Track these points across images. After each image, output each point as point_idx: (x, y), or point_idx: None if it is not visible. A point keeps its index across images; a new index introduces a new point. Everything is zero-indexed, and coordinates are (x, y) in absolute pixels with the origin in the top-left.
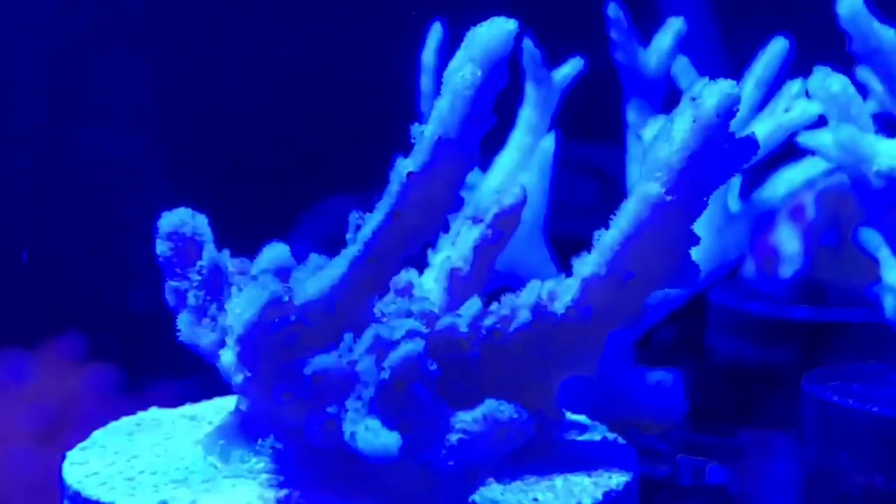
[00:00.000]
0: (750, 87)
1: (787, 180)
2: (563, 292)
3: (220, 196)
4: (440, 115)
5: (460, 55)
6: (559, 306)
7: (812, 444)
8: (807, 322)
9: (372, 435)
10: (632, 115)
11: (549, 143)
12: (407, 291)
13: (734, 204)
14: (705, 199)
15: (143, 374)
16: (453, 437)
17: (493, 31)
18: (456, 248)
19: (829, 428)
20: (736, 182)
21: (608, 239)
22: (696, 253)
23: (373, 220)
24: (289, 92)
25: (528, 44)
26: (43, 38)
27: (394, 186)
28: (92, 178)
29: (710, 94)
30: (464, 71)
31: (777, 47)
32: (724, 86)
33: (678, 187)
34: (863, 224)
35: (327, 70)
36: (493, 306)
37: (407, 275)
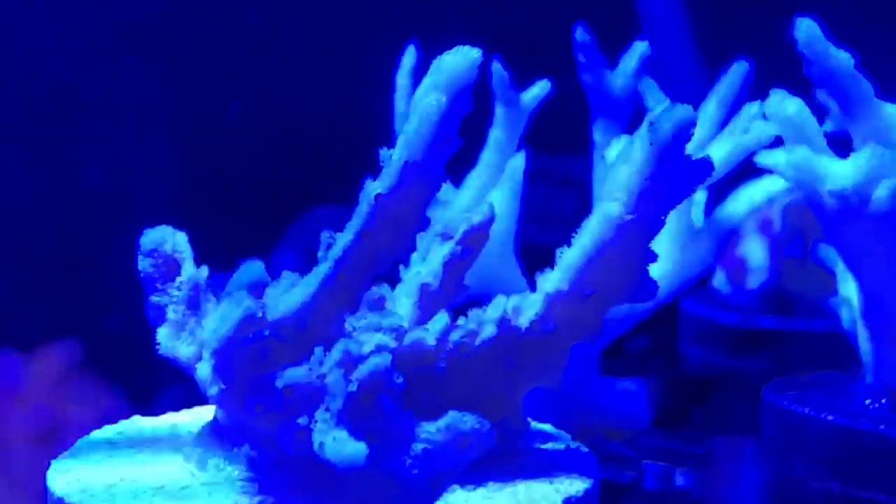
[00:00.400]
0: (713, 107)
1: (748, 197)
2: (527, 307)
3: (210, 209)
4: (407, 139)
5: (426, 83)
6: (523, 321)
7: (771, 452)
8: (774, 331)
9: (339, 445)
10: (598, 135)
11: (519, 161)
12: (379, 306)
13: (698, 220)
14: (663, 218)
15: (142, 382)
16: (418, 447)
17: (458, 60)
18: (426, 264)
19: (787, 436)
20: (700, 199)
21: (570, 257)
22: (661, 267)
23: (343, 239)
24: (274, 105)
25: (497, 66)
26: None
27: (363, 207)
28: (94, 186)
29: (666, 119)
30: (429, 98)
31: (739, 70)
32: (680, 111)
33: (637, 208)
34: (821, 239)
35: (313, 83)
36: (461, 321)
37: (380, 290)
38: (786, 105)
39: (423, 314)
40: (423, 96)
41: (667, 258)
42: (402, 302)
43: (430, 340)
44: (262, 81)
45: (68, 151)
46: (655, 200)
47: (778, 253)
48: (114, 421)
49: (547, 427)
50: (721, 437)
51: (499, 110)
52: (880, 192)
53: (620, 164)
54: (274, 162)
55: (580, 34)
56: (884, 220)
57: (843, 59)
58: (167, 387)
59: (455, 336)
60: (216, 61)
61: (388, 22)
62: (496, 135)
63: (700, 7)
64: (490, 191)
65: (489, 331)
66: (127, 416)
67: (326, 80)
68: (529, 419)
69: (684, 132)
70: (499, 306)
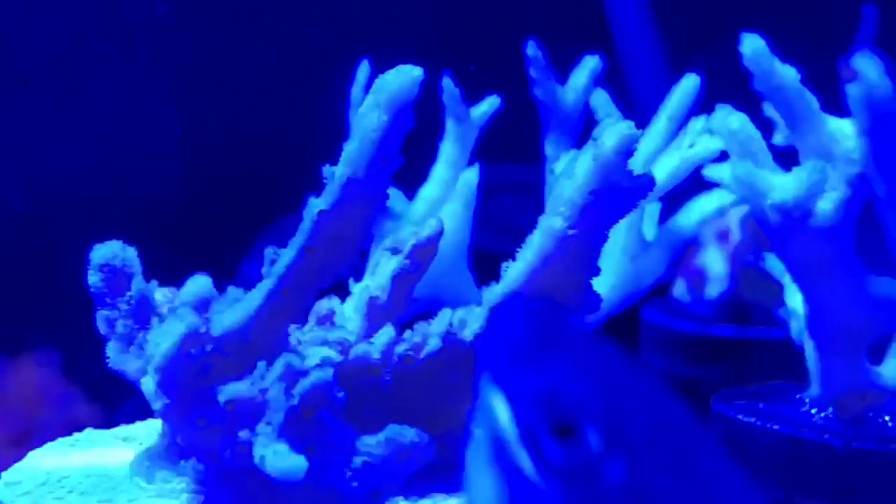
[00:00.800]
0: (663, 121)
1: (699, 209)
2: (472, 320)
3: (179, 221)
4: (349, 157)
5: (368, 101)
6: (468, 334)
7: None
8: (731, 340)
9: (279, 458)
10: (549, 149)
11: (472, 174)
12: (328, 319)
13: (650, 232)
14: (606, 232)
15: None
16: (357, 461)
17: (400, 79)
18: (375, 277)
19: (733, 445)
20: (653, 211)
21: (515, 270)
22: (612, 279)
23: (286, 255)
24: (241, 116)
25: (447, 82)
26: None
27: (306, 224)
28: (78, 196)
29: (609, 135)
30: (371, 116)
31: (689, 84)
32: (623, 127)
33: (580, 222)
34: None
35: (283, 93)
36: (407, 334)
37: (329, 303)
38: (730, 120)
39: (372, 328)
40: (364, 114)
41: (618, 270)
42: (351, 316)
43: (375, 354)
44: (229, 91)
45: (49, 154)
46: (598, 215)
47: (737, 262)
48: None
49: None
50: None
51: (449, 125)
52: (823, 206)
53: (564, 178)
54: (242, 173)
55: (531, 49)
56: (826, 234)
57: (787, 73)
58: (130, 398)
59: (400, 349)
60: (188, 69)
61: (349, 35)
62: (447, 149)
63: (669, 20)
64: (442, 205)
65: (434, 344)
66: (103, 425)
67: (296, 91)
68: None
69: (627, 147)
70: (444, 319)
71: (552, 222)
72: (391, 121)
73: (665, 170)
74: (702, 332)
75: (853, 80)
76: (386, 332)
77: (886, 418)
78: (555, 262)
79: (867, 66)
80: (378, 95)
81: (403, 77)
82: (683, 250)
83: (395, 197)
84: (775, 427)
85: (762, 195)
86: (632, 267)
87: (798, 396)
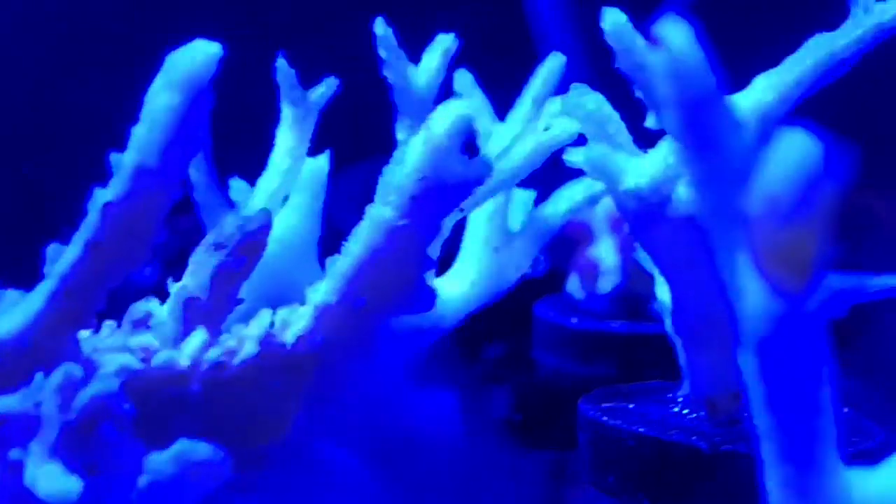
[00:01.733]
0: (527, 104)
1: (568, 197)
2: (294, 321)
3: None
4: (138, 143)
5: (158, 81)
6: (289, 336)
7: (586, 465)
8: (622, 335)
9: (51, 480)
10: (401, 135)
11: (322, 163)
12: (144, 323)
13: (515, 223)
14: (439, 222)
15: None
16: (143, 480)
17: (194, 55)
18: (194, 276)
19: (599, 448)
20: (522, 199)
21: (340, 265)
22: (472, 274)
23: (69, 252)
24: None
25: (282, 63)
26: None
27: (91, 217)
28: None
29: (440, 116)
30: (161, 98)
31: (554, 63)
32: (456, 107)
33: (411, 212)
34: None
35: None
36: (223, 337)
37: (147, 305)
38: (585, 101)
39: (189, 332)
40: (154, 96)
41: (479, 264)
42: (167, 319)
43: (183, 361)
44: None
45: None
46: (430, 204)
47: (627, 254)
48: None
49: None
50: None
51: (285, 110)
52: (682, 192)
53: (394, 165)
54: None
55: (380, 28)
56: (686, 222)
57: (650, 52)
58: None
59: (212, 355)
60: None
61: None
62: (284, 136)
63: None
64: (282, 196)
65: (250, 348)
66: None
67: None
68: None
69: (460, 130)
70: (263, 321)
71: (381, 212)
72: (185, 103)
73: (520, 155)
74: (593, 329)
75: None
76: (196, 337)
77: None
78: (383, 255)
79: (673, 32)
80: (170, 74)
81: (198, 53)
82: (550, 241)
83: (238, 188)
84: (639, 429)
85: (617, 180)
86: (494, 260)
87: (672, 395)
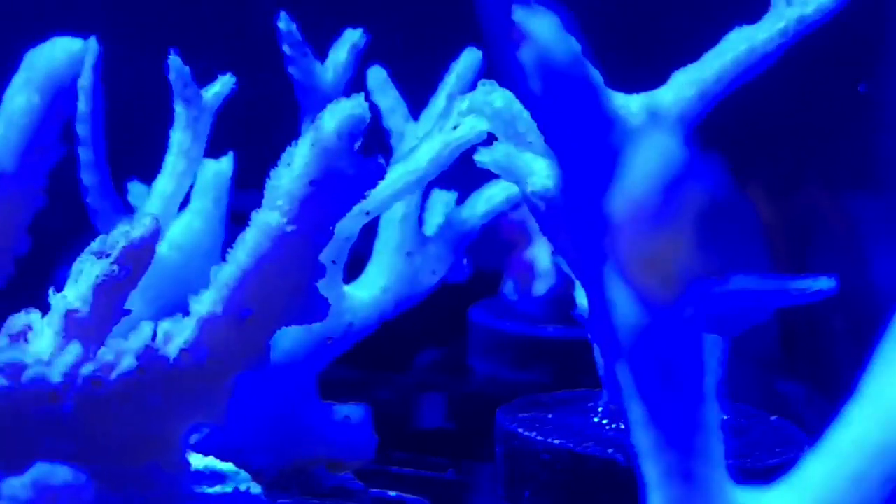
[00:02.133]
0: (442, 101)
1: (487, 198)
2: (177, 333)
3: None
4: None
5: (17, 80)
6: (172, 349)
7: (502, 479)
8: (557, 340)
9: None
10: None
11: (224, 166)
12: (22, 337)
13: (433, 225)
14: (331, 227)
15: None
16: None
17: (55, 53)
18: (75, 287)
19: (514, 461)
20: (440, 201)
21: (225, 274)
22: (383, 280)
23: None
24: None
25: (175, 60)
26: None
27: None
28: None
29: (330, 115)
30: (19, 97)
31: (470, 58)
32: (347, 105)
33: (300, 216)
34: None
35: None
36: (100, 351)
37: (27, 317)
38: (493, 98)
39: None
40: (12, 96)
41: (391, 270)
42: (46, 332)
43: (55, 377)
44: None
45: None
46: (320, 208)
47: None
48: None
49: (225, 466)
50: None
51: (179, 110)
52: None
53: (282, 167)
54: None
55: (284, 22)
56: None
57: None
58: None
59: (87, 370)
60: None
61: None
62: (178, 138)
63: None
64: (179, 199)
65: (127, 363)
66: None
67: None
68: (209, 458)
69: (352, 130)
70: (144, 333)
71: (268, 217)
72: (45, 103)
73: (427, 155)
74: (528, 333)
75: (523, 43)
76: (70, 352)
77: None
78: (271, 262)
79: (538, 25)
80: (29, 73)
81: (60, 51)
82: (467, 245)
83: (137, 192)
84: (555, 442)
85: (523, 181)
86: (408, 265)
87: (591, 405)
